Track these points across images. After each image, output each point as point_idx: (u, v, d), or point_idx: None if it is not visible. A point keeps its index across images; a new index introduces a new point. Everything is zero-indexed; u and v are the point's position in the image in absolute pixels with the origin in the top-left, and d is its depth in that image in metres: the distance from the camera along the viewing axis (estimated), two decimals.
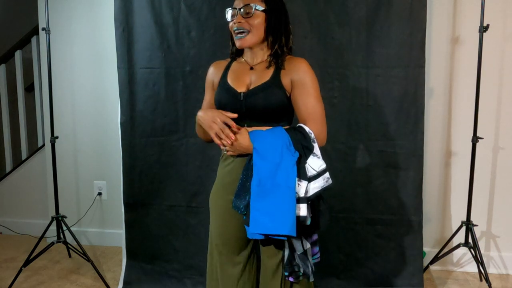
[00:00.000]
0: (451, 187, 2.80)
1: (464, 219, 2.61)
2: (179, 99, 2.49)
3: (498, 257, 2.81)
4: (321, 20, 2.36)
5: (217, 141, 1.50)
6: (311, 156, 1.48)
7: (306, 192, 1.45)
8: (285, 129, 1.53)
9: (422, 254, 2.48)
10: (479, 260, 2.50)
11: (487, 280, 2.45)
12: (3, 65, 3.57)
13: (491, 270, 2.80)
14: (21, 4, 4.44)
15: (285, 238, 1.44)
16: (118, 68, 2.51)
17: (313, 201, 1.48)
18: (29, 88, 3.76)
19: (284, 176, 1.43)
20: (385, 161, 2.42)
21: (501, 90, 2.69)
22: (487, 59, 2.58)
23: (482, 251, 2.65)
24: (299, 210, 1.43)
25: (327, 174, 1.50)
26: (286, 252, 1.54)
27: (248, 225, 1.45)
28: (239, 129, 1.52)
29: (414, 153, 2.39)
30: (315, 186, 1.46)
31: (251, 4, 1.55)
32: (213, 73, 1.71)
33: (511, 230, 2.78)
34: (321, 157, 1.50)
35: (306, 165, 1.46)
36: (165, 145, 2.53)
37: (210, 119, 1.51)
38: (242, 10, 1.56)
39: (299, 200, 1.44)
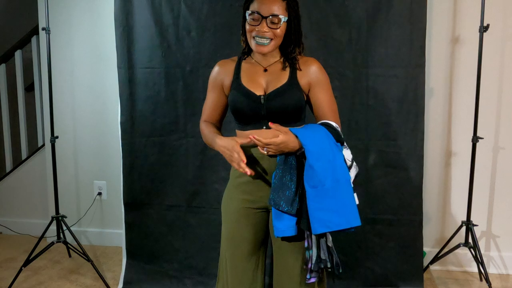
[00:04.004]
0: (451, 187, 2.80)
1: (464, 219, 2.61)
2: (179, 99, 2.49)
3: (498, 257, 2.81)
4: (321, 20, 2.36)
5: (238, 168, 1.47)
6: (343, 148, 1.55)
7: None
8: (320, 125, 1.55)
9: (422, 254, 2.48)
10: (479, 260, 2.50)
11: (487, 280, 2.45)
12: (3, 65, 3.57)
13: (491, 270, 2.80)
14: (21, 4, 4.44)
15: (353, 230, 1.47)
16: (118, 68, 2.51)
17: None
18: (29, 88, 3.76)
19: (341, 171, 1.47)
20: (385, 161, 2.42)
21: (501, 90, 2.69)
22: (487, 59, 2.58)
23: (482, 251, 2.65)
24: (355, 200, 1.50)
25: (354, 162, 1.57)
26: (312, 252, 1.52)
27: (306, 228, 1.47)
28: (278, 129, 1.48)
29: (414, 153, 2.39)
30: (352, 175, 1.53)
31: (280, 16, 1.51)
32: (221, 73, 1.65)
33: (511, 230, 2.78)
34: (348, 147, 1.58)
35: (345, 158, 1.52)
36: (165, 145, 2.53)
37: (229, 154, 1.48)
38: (268, 19, 1.51)
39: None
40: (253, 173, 1.47)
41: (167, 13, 2.43)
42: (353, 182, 1.53)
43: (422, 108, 2.38)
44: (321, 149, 1.46)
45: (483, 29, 2.42)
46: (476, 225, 2.56)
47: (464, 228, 2.59)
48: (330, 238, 1.54)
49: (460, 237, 2.62)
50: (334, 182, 1.44)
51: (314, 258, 1.51)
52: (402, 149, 2.40)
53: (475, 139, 2.52)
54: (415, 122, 2.38)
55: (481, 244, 2.80)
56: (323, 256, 1.52)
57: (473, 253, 2.54)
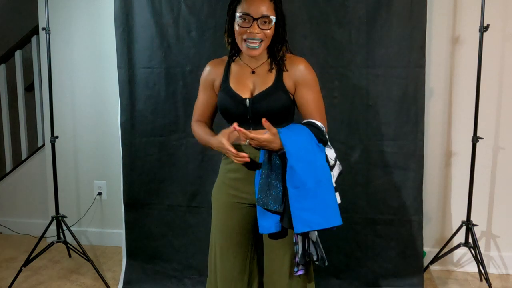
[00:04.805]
0: (451, 187, 2.80)
1: (464, 219, 2.61)
2: (179, 99, 2.49)
3: (498, 257, 2.81)
4: (321, 20, 2.36)
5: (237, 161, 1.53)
6: (326, 148, 1.57)
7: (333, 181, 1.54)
8: (303, 125, 1.56)
9: (422, 254, 2.48)
10: (479, 260, 2.50)
11: (487, 280, 2.45)
12: (3, 65, 3.57)
13: (491, 270, 2.81)
14: (21, 4, 4.44)
15: (334, 229, 1.51)
16: (118, 68, 2.51)
17: None
18: (29, 88, 3.76)
19: (322, 172, 1.50)
20: (385, 161, 2.42)
21: (501, 90, 2.69)
22: (487, 59, 2.58)
23: (482, 251, 2.65)
24: (337, 199, 1.53)
25: (338, 161, 1.60)
26: (298, 247, 1.57)
27: (288, 226, 1.50)
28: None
29: (414, 153, 2.39)
30: (334, 174, 1.56)
31: (271, 17, 1.53)
32: (212, 73, 1.68)
33: (511, 230, 2.78)
34: (331, 146, 1.60)
35: (327, 157, 1.55)
36: (165, 145, 2.53)
37: (224, 151, 1.55)
38: (259, 20, 1.52)
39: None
40: (247, 160, 1.51)
41: (167, 13, 2.43)
42: (335, 181, 1.56)
43: (422, 108, 2.38)
44: (301, 151, 1.49)
45: (483, 29, 2.42)
46: (476, 225, 2.56)
47: (464, 228, 2.59)
48: (315, 234, 1.58)
49: (460, 237, 2.63)
50: (316, 183, 1.48)
51: (300, 252, 1.56)
52: (402, 149, 2.40)
53: (475, 139, 2.52)
54: (415, 122, 2.38)
55: (481, 244, 2.80)
56: (309, 250, 1.57)
57: (473, 253, 2.54)
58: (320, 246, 1.59)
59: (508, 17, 2.63)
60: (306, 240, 1.58)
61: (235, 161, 1.52)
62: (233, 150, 1.49)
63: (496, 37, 2.63)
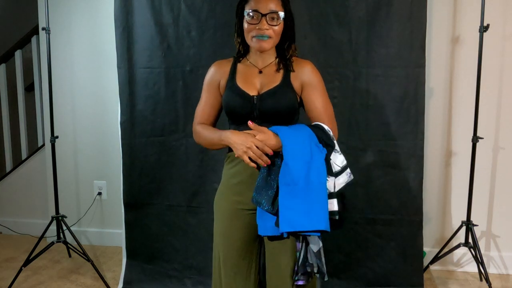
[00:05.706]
0: (451, 187, 2.80)
1: (464, 219, 2.61)
2: (179, 99, 2.49)
3: (498, 257, 2.81)
4: (321, 20, 2.36)
5: (249, 162, 1.46)
6: (333, 152, 1.53)
7: (334, 187, 1.49)
8: (308, 126, 1.54)
9: (422, 254, 2.48)
10: (479, 260, 2.50)
11: (487, 280, 2.45)
12: (3, 65, 3.57)
13: (491, 270, 2.81)
14: (21, 4, 4.44)
15: (319, 234, 1.46)
16: (118, 68, 2.51)
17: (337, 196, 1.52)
18: (29, 88, 3.76)
19: (316, 173, 1.45)
20: (385, 161, 2.42)
21: (501, 90, 2.69)
22: (487, 59, 2.58)
23: (482, 251, 2.65)
24: (331, 205, 1.47)
25: (349, 170, 1.55)
26: (300, 255, 1.53)
27: (278, 225, 1.45)
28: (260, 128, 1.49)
29: (414, 153, 2.39)
30: (339, 182, 1.52)
31: (280, 13, 1.53)
32: (217, 74, 1.66)
33: (511, 230, 2.78)
34: (341, 153, 1.55)
35: (331, 162, 1.51)
36: (165, 145, 2.53)
37: (244, 143, 1.45)
38: (268, 16, 1.52)
39: (330, 196, 1.48)
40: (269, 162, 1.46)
41: (167, 13, 2.43)
42: (339, 189, 1.51)
43: (422, 108, 2.38)
44: (298, 148, 1.46)
45: (483, 29, 2.42)
46: (476, 225, 2.56)
47: (464, 228, 2.59)
48: (318, 243, 1.51)
49: (460, 237, 2.63)
50: (307, 183, 1.44)
51: (300, 261, 1.51)
52: (402, 149, 2.40)
53: (475, 139, 2.52)
54: (415, 122, 2.38)
55: (481, 244, 2.80)
56: (310, 260, 1.51)
57: (473, 253, 2.54)
58: (323, 259, 1.52)
59: (508, 17, 2.63)
60: (309, 249, 1.52)
61: (247, 160, 1.45)
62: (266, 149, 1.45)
63: (496, 37, 2.63)
